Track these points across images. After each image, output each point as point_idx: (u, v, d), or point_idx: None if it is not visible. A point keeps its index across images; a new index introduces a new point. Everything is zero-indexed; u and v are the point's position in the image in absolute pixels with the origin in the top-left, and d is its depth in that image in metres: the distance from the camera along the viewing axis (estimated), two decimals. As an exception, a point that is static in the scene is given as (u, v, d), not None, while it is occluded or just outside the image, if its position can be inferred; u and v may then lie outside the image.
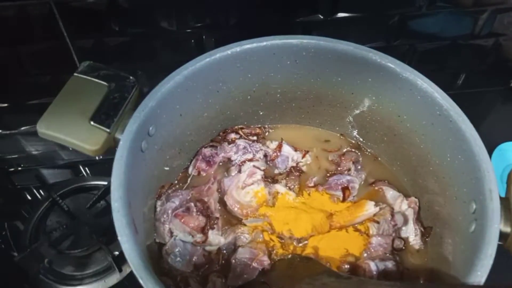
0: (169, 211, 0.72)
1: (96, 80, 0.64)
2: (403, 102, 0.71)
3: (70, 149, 1.12)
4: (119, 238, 0.52)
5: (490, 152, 1.01)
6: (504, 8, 0.98)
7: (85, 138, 0.60)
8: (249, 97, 0.80)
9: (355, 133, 0.84)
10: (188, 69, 0.68)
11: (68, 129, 0.60)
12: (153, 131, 0.66)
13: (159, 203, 0.73)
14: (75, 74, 0.65)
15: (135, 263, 0.50)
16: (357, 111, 0.79)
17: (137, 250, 0.51)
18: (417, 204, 0.76)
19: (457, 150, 0.64)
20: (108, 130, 0.61)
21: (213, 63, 0.70)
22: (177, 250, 0.70)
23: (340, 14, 0.91)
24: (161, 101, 0.65)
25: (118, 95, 0.64)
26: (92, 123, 0.61)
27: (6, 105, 1.07)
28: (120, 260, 0.87)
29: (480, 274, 0.50)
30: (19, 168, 1.11)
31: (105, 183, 0.95)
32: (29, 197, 1.05)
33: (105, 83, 0.64)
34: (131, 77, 0.66)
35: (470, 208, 0.59)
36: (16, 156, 1.12)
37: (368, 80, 0.72)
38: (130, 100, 0.65)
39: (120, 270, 0.87)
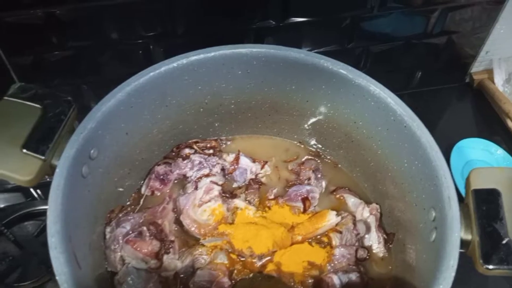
0: (120, 238, 0.67)
1: (28, 103, 0.59)
2: (357, 108, 0.69)
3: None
4: (57, 277, 0.47)
5: (449, 150, 1.01)
6: (455, 6, 0.98)
7: (17, 168, 0.55)
8: (201, 109, 0.76)
9: (313, 140, 0.82)
10: (130, 85, 0.63)
11: (-2, 159, 0.55)
12: (95, 154, 0.61)
13: (108, 229, 0.68)
14: (5, 98, 0.60)
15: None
16: (314, 119, 0.77)
17: (77, 290, 0.46)
18: (379, 210, 0.74)
19: (414, 155, 0.62)
20: (42, 157, 0.56)
21: (158, 77, 0.66)
22: (129, 278, 0.65)
23: (292, 19, 0.89)
24: (102, 121, 0.60)
25: (54, 118, 0.59)
26: (24, 150, 0.56)
27: None
28: (74, 290, 0.81)
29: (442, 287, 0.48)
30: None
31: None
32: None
33: (38, 105, 0.59)
34: (68, 97, 0.61)
35: (430, 215, 0.58)
36: (-42, 182, 1.03)
37: (321, 87, 0.70)
38: (67, 123, 0.60)
39: (75, 301, 0.81)
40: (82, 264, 0.54)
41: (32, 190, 1.02)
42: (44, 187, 1.02)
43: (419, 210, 0.62)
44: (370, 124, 0.69)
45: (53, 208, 0.52)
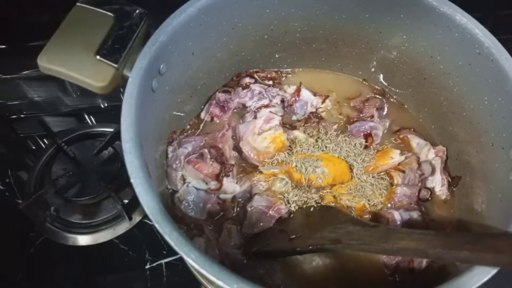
0: (182, 157, 0.67)
1: (101, 10, 0.58)
2: (437, 40, 0.64)
3: (74, 95, 1.08)
4: (131, 180, 0.48)
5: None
6: None
7: (91, 74, 0.55)
8: (266, 36, 0.74)
9: (380, 77, 0.78)
10: (201, 0, 0.61)
11: (72, 63, 0.55)
12: (164, 70, 0.60)
13: (170, 148, 0.69)
14: (78, 4, 0.59)
15: (150, 206, 0.46)
16: (384, 53, 0.73)
17: (151, 193, 0.47)
18: (445, 153, 0.71)
19: (497, 92, 0.58)
20: (115, 65, 0.55)
21: (229, -5, 0.63)
22: (190, 197, 0.66)
23: None
24: (173, 36, 0.59)
25: (126, 28, 0.58)
26: (98, 57, 0.55)
27: (4, 47, 1.00)
28: (130, 208, 0.84)
29: (525, 223, 0.46)
30: (21, 116, 1.06)
31: (111, 129, 0.90)
32: (32, 146, 1.01)
33: (111, 14, 0.58)
34: (139, 8, 0.60)
35: (510, 154, 0.55)
36: (17, 102, 1.06)
37: (399, 16, 0.65)
38: (139, 34, 0.59)
39: (130, 218, 0.84)
40: (151, 174, 0.55)
41: (85, 115, 1.05)
42: (98, 113, 1.04)
43: (496, 150, 0.59)
44: (450, 59, 0.64)
45: (126, 116, 0.52)
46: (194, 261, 0.43)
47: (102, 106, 1.06)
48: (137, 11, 0.60)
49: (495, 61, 0.57)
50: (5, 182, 0.92)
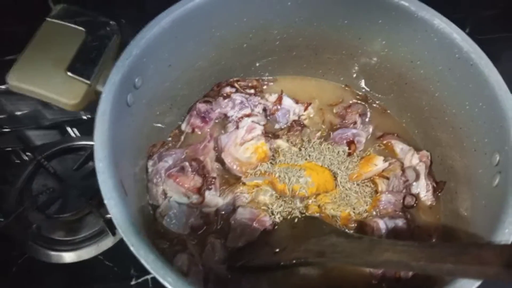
0: (162, 172, 0.66)
1: (72, 25, 0.57)
2: (417, 45, 0.64)
3: (55, 108, 1.05)
4: (105, 201, 0.47)
5: None
6: None
7: (62, 91, 0.53)
8: (245, 45, 0.72)
9: (362, 83, 0.77)
10: (175, 12, 0.60)
11: (42, 81, 0.53)
12: (139, 83, 0.59)
13: (150, 163, 0.67)
14: (48, 19, 0.57)
15: (124, 228, 0.45)
16: (365, 59, 0.72)
17: (126, 214, 0.46)
18: (429, 158, 0.71)
19: (478, 97, 0.57)
20: (88, 81, 0.54)
21: (204, 5, 0.62)
22: (172, 212, 0.65)
23: None
24: (147, 49, 0.57)
25: (98, 42, 0.57)
26: (69, 73, 0.54)
27: (-20, 62, 0.98)
28: (113, 224, 0.82)
29: (509, 232, 0.45)
30: (3, 130, 1.03)
31: (93, 143, 0.88)
32: (16, 160, 0.98)
33: (82, 28, 0.56)
34: (111, 22, 0.58)
35: (492, 160, 0.54)
36: (-3, 117, 1.04)
37: (378, 22, 0.65)
38: (112, 48, 0.57)
39: (114, 234, 0.82)
40: (128, 192, 0.53)
41: (68, 127, 1.03)
42: (80, 124, 1.02)
43: (478, 155, 0.58)
44: (430, 63, 0.64)
45: (100, 134, 0.51)
46: (171, 285, 0.41)
47: (85, 117, 1.04)
48: (109, 23, 0.58)
49: (475, 65, 0.57)
50: (-15, 200, 0.90)
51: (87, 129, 1.01)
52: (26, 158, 0.96)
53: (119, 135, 0.54)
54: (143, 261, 0.43)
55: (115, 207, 0.46)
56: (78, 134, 1.01)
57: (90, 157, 0.86)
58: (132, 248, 0.43)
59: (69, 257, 0.82)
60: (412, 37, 0.63)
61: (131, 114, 0.59)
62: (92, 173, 0.85)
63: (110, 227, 0.81)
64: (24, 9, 0.88)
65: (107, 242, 0.83)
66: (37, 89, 0.53)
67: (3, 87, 1.03)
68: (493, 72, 0.55)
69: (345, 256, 0.52)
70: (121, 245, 0.84)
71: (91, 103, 0.57)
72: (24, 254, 0.82)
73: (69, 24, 0.57)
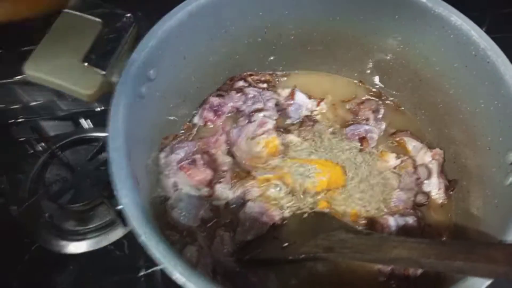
0: (174, 164, 0.67)
1: (89, 16, 0.57)
2: (433, 42, 0.63)
3: (69, 99, 1.07)
4: (117, 192, 0.47)
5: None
6: None
7: (78, 81, 0.54)
8: (259, 39, 0.72)
9: (376, 79, 0.77)
10: (192, 4, 0.60)
11: (59, 71, 0.54)
12: (154, 75, 0.59)
13: (162, 154, 0.68)
14: (65, 10, 0.58)
15: (136, 218, 0.45)
16: (380, 54, 0.72)
17: (137, 205, 0.46)
18: (442, 156, 0.70)
19: (494, 95, 0.57)
20: (103, 72, 0.54)
21: (220, -1, 0.62)
22: (182, 204, 0.65)
23: None
24: (163, 40, 0.58)
25: (114, 34, 0.57)
26: (85, 64, 0.54)
27: (-2, 51, 1.00)
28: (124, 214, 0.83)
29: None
30: (18, 120, 1.05)
31: (106, 134, 0.89)
32: (30, 150, 1.00)
33: (99, 19, 0.57)
34: (128, 14, 0.59)
35: (507, 158, 0.54)
36: (13, 107, 1.06)
37: (394, 18, 0.64)
38: (128, 40, 0.58)
39: (125, 224, 0.83)
40: (140, 183, 0.54)
41: (81, 118, 1.04)
42: (93, 116, 1.03)
43: (492, 154, 0.58)
44: (445, 60, 0.63)
45: (113, 124, 0.51)
46: (182, 274, 0.42)
47: (99, 109, 1.05)
48: (126, 15, 0.58)
49: (491, 63, 0.56)
50: (1, 188, 0.92)
51: (100, 120, 1.02)
52: (40, 148, 0.98)
53: (133, 126, 0.55)
54: (153, 251, 0.43)
55: (126, 197, 0.46)
56: (91, 125, 1.02)
57: (103, 148, 0.87)
58: (142, 238, 0.44)
59: (80, 246, 0.83)
60: (428, 34, 0.63)
61: (145, 106, 0.59)
62: (105, 164, 0.87)
63: (122, 217, 0.82)
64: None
65: (118, 233, 0.84)
66: (53, 79, 0.54)
67: (19, 77, 1.05)
68: (510, 70, 0.55)
69: (354, 252, 0.52)
70: (131, 236, 0.85)
71: (105, 94, 0.57)
72: (35, 243, 0.84)
73: (86, 16, 0.57)
